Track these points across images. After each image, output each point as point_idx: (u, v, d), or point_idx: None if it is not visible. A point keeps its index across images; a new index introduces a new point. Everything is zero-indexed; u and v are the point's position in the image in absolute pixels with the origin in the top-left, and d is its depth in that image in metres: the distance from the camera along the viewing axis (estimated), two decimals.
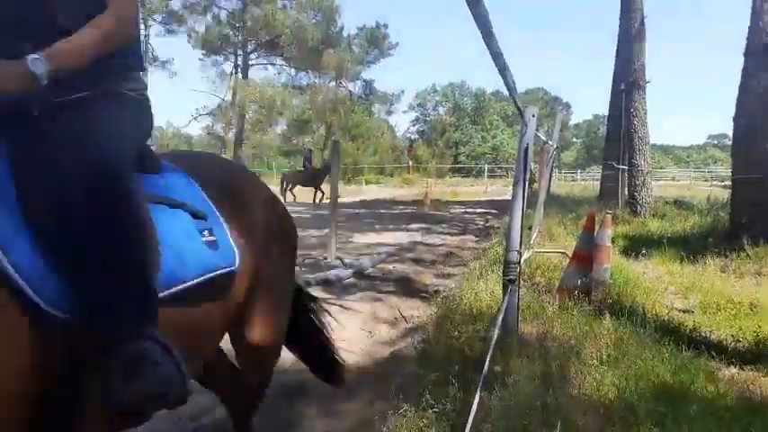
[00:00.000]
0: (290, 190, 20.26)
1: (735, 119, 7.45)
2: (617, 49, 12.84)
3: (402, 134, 69.27)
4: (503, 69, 2.20)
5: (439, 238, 9.59)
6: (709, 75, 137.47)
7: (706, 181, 41.56)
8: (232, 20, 46.32)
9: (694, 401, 2.41)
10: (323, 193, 19.43)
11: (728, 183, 8.74)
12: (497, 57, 2.02)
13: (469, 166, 54.47)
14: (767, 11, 7.08)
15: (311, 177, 20.04)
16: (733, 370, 3.09)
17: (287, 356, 3.36)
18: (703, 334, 3.73)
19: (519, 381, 2.45)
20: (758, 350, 3.40)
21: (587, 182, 38.04)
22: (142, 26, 44.13)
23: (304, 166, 21.08)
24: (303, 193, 20.27)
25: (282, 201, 18.75)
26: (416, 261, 7.13)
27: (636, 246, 7.39)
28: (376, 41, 50.72)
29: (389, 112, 57.83)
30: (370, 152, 48.36)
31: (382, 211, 16.44)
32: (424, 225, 11.92)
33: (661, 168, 54.38)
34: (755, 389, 2.77)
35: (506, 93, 2.60)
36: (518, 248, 3.05)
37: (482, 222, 12.76)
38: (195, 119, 50.57)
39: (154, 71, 46.57)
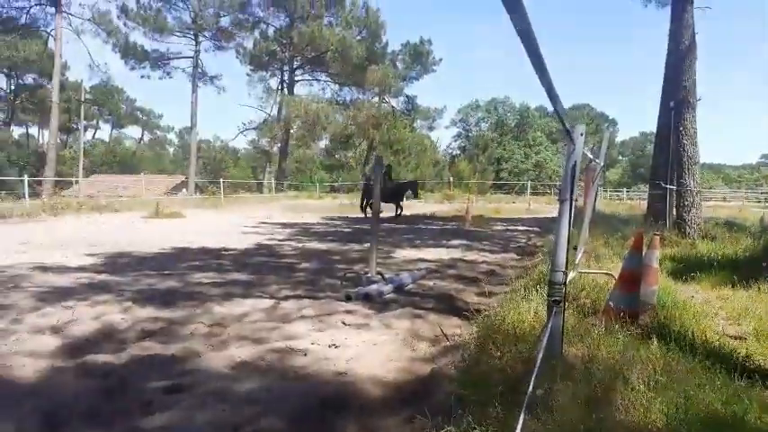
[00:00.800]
0: (369, 206, 18.69)
1: None
2: (666, 67, 12.57)
3: (444, 149, 69.30)
4: (554, 99, 2.20)
5: (480, 256, 9.52)
6: (763, 92, 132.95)
7: (759, 202, 40.08)
8: (279, 36, 47.37)
9: None
10: (401, 208, 18.71)
11: None
12: (549, 88, 2.02)
13: (512, 182, 53.93)
14: None
15: (392, 191, 18.85)
16: None
17: (327, 369, 3.41)
18: (757, 362, 3.58)
19: (563, 404, 2.40)
20: None
21: (634, 201, 37.18)
22: (193, 42, 45.63)
23: (384, 180, 19.95)
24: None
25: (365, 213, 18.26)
26: (457, 278, 7.10)
27: (684, 268, 7.17)
28: (419, 57, 50.97)
29: (431, 128, 58.06)
30: (411, 167, 48.44)
31: (422, 226, 16.43)
32: (464, 242, 11.86)
33: (711, 188, 52.69)
34: None
35: (550, 108, 2.58)
36: (563, 269, 3.01)
37: (524, 240, 12.60)
38: (242, 133, 51.95)
39: (202, 86, 48.11)
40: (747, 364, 3.46)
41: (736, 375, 3.01)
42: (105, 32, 42.12)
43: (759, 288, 5.90)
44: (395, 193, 19.02)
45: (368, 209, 19.13)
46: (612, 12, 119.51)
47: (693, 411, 2.46)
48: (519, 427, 1.75)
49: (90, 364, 3.42)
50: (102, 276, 6.65)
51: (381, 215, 18.57)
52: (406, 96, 53.91)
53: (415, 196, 20.13)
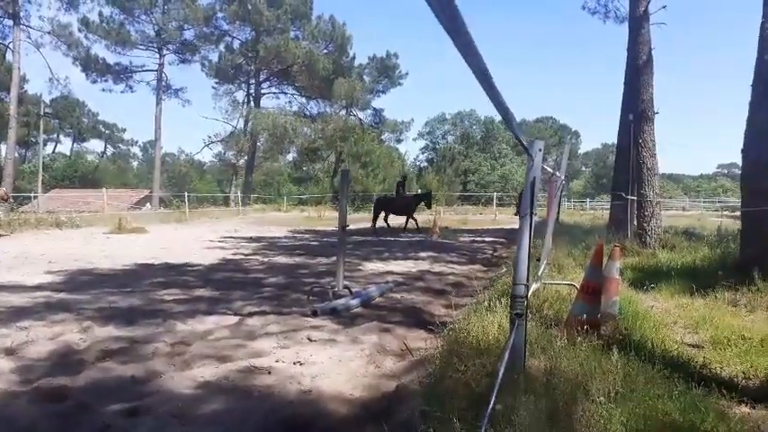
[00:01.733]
0: (385, 219, 19.49)
1: (743, 151, 7.44)
2: (625, 81, 12.91)
3: (411, 162, 69.69)
4: (506, 116, 2.23)
5: (447, 267, 9.57)
6: (719, 104, 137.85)
7: (716, 211, 41.28)
8: (245, 49, 47.12)
9: None
10: (415, 220, 19.17)
11: (739, 213, 8.67)
12: (500, 105, 2.05)
13: (478, 194, 54.48)
14: None
15: (405, 204, 19.57)
16: (744, 409, 3.03)
17: (291, 388, 3.37)
18: (714, 370, 3.67)
19: (525, 418, 2.42)
20: None
21: (597, 211, 37.90)
22: (157, 55, 45.09)
23: (397, 192, 20.34)
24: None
25: (374, 227, 18.36)
26: (425, 290, 7.12)
27: (645, 277, 7.33)
28: (386, 71, 51.29)
29: (399, 140, 58.35)
30: (379, 180, 48.51)
31: (390, 238, 16.45)
32: (432, 253, 11.91)
33: (670, 198, 54.10)
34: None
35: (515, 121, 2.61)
36: (525, 282, 3.04)
37: (490, 251, 12.73)
38: (207, 146, 51.27)
39: (167, 99, 47.51)
40: (704, 372, 3.55)
41: (693, 384, 3.07)
42: (66, 45, 41.36)
43: (716, 296, 6.07)
44: (408, 205, 19.58)
45: (378, 221, 19.38)
46: (575, 24, 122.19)
47: (652, 422, 2.50)
48: None
49: (45, 388, 3.31)
50: (61, 295, 6.46)
51: (394, 225, 18.90)
52: (374, 109, 54.20)
53: (428, 207, 20.57)
